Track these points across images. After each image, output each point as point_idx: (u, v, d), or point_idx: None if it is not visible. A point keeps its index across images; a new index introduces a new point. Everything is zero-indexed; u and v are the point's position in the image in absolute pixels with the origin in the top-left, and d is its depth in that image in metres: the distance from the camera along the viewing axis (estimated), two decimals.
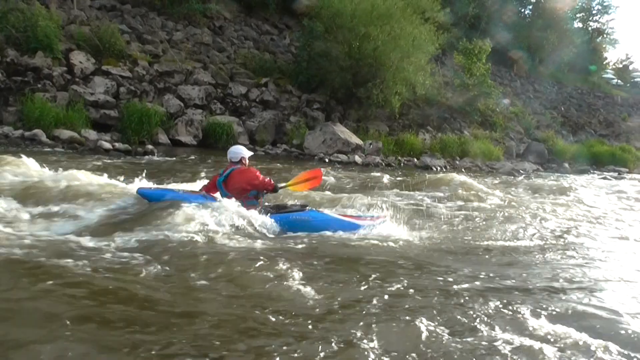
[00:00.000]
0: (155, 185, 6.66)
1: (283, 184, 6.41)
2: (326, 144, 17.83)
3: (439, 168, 18.69)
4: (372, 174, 13.89)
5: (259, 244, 5.01)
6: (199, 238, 4.85)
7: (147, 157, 12.99)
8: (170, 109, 16.63)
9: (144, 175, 7.01)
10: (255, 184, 5.87)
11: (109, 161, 11.23)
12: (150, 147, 13.85)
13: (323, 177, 7.05)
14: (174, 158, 13.22)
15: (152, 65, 17.88)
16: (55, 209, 5.62)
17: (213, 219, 5.32)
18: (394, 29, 20.29)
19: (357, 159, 17.34)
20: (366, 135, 20.19)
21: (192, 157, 13.67)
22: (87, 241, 4.56)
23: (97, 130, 14.24)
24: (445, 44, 25.28)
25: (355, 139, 18.63)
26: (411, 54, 20.71)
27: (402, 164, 18.95)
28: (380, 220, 6.43)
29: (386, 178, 12.41)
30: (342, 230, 5.93)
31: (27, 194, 6.04)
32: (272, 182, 6.01)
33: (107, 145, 13.21)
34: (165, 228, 5.03)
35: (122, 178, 7.05)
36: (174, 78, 18.02)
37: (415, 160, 19.80)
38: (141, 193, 5.80)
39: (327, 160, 16.72)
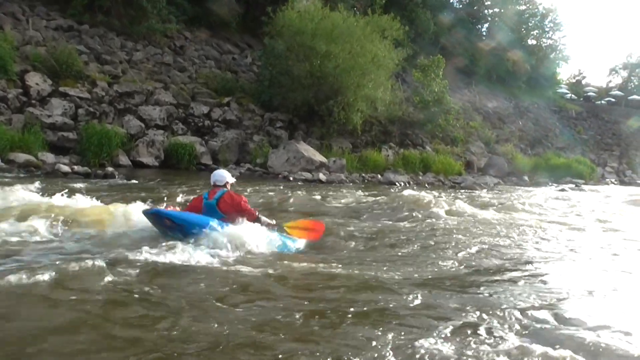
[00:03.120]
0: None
1: (273, 221, 6.44)
2: (290, 163, 17.80)
3: (402, 184, 18.84)
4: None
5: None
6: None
7: (107, 179, 12.67)
8: (130, 130, 16.36)
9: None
10: (241, 211, 6.04)
11: (69, 184, 10.92)
12: (110, 169, 13.52)
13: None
14: (135, 180, 12.94)
15: (112, 85, 17.60)
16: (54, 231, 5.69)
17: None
18: (354, 47, 20.57)
19: (322, 176, 17.35)
20: (330, 152, 20.28)
21: (154, 179, 13.42)
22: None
23: (55, 153, 13.88)
24: (405, 61, 25.71)
25: (319, 157, 18.67)
26: (371, 71, 20.99)
27: (366, 181, 19.05)
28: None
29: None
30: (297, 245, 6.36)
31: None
32: (256, 213, 6.22)
33: (66, 168, 12.84)
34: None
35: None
36: (134, 99, 17.77)
37: (379, 176, 19.94)
38: (155, 212, 5.68)
39: (291, 178, 16.66)
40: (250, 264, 5.11)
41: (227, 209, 5.98)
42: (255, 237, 5.78)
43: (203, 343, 3.20)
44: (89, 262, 4.40)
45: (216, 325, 3.48)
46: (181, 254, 5.07)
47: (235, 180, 6.52)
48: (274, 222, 6.41)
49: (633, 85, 61.42)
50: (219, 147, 18.02)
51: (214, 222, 5.65)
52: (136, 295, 3.94)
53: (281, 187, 13.72)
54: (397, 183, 18.76)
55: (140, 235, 5.79)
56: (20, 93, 15.12)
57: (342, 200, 11.78)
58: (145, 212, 5.69)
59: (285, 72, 20.77)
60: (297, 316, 3.76)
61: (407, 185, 18.88)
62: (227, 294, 4.19)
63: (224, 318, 3.64)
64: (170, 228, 5.55)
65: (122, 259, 4.79)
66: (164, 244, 5.29)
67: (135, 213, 6.17)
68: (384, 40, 21.70)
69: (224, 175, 6.33)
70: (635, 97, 52.69)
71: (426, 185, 19.38)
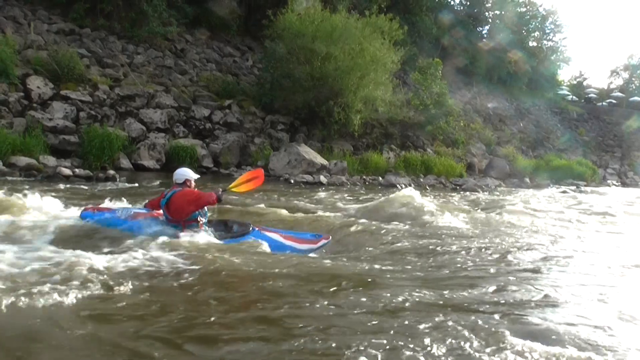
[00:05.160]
0: (100, 206, 6.56)
1: (223, 191, 6.21)
2: (291, 165, 17.82)
3: (403, 186, 18.78)
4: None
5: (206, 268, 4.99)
6: (145, 267, 4.80)
7: (108, 182, 12.68)
8: (132, 133, 16.39)
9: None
10: (198, 202, 5.82)
11: (68, 187, 10.94)
12: (112, 172, 13.55)
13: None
14: (137, 184, 12.95)
15: (113, 89, 17.62)
16: None
17: (158, 247, 5.35)
18: (352, 48, 20.57)
19: (323, 179, 17.36)
20: (331, 155, 20.28)
21: (155, 182, 13.42)
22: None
23: (57, 157, 13.88)
24: (406, 62, 25.72)
25: (320, 159, 18.69)
26: (371, 71, 21.00)
27: (367, 183, 19.04)
28: (323, 242, 6.49)
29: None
30: (285, 252, 6.02)
31: None
32: (214, 194, 5.86)
33: (67, 171, 12.86)
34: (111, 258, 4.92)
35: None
36: (136, 102, 17.80)
37: (380, 178, 19.93)
38: (84, 217, 5.96)
39: (292, 181, 16.68)
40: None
41: (175, 210, 5.83)
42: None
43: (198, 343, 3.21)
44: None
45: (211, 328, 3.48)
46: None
47: (198, 177, 6.36)
48: (219, 191, 6.06)
49: (634, 87, 61.29)
50: (220, 149, 18.04)
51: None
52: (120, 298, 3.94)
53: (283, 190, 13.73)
54: (398, 185, 18.74)
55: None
56: (22, 97, 15.14)
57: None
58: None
59: (287, 75, 20.81)
60: (295, 317, 3.76)
61: (409, 187, 18.84)
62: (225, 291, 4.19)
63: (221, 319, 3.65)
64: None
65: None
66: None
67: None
68: (383, 41, 21.68)
69: (182, 173, 6.14)
70: (636, 98, 52.58)
71: (427, 187, 19.37)
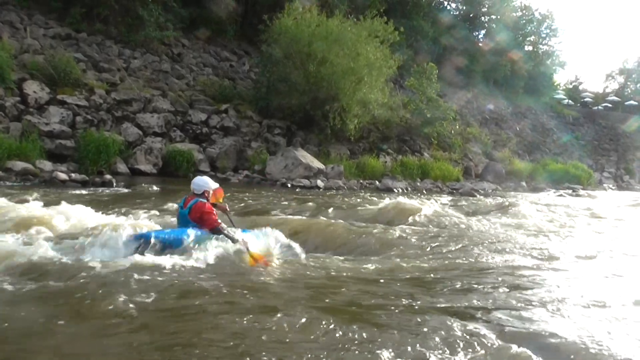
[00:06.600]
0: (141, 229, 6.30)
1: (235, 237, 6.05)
2: (288, 169, 17.82)
3: (400, 190, 18.84)
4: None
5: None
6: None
7: (105, 187, 12.65)
8: (128, 137, 16.38)
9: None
10: (202, 219, 5.75)
11: (65, 193, 10.91)
12: (108, 177, 13.50)
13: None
14: (132, 189, 12.93)
15: (110, 93, 17.63)
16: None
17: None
18: (347, 52, 20.57)
19: (320, 183, 17.36)
20: (328, 159, 20.29)
21: (152, 186, 13.37)
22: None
23: (53, 161, 13.85)
24: (402, 67, 25.79)
25: (317, 164, 18.69)
26: (366, 75, 21.03)
27: (364, 187, 19.05)
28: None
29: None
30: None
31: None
32: (216, 225, 5.79)
33: (63, 176, 12.83)
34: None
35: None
36: (132, 106, 17.79)
37: (377, 182, 19.95)
38: (140, 237, 5.50)
39: (289, 185, 16.66)
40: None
41: (195, 219, 5.78)
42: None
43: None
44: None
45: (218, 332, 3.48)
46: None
47: (217, 186, 6.18)
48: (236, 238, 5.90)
49: (630, 91, 61.65)
50: (217, 154, 18.05)
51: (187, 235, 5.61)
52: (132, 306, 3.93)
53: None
54: (395, 189, 18.75)
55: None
56: (18, 101, 15.12)
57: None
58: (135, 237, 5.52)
59: (283, 79, 20.85)
60: (295, 318, 3.76)
61: (406, 191, 18.88)
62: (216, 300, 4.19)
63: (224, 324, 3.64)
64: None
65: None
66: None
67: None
68: (380, 45, 21.70)
69: (201, 184, 5.99)
70: (632, 102, 52.86)
71: (424, 191, 19.38)
